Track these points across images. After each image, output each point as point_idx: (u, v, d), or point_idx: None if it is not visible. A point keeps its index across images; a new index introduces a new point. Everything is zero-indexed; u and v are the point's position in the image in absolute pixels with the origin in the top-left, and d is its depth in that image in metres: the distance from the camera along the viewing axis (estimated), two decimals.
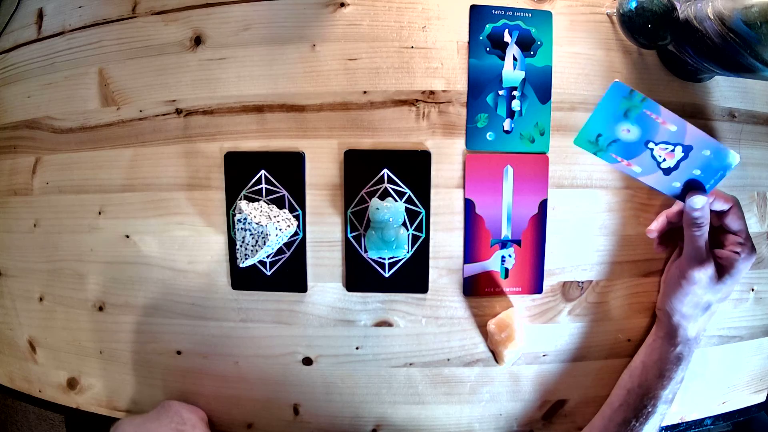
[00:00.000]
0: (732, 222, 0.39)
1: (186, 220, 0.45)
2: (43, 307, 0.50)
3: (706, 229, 0.38)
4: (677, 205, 0.41)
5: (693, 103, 0.45)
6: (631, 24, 0.37)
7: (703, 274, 0.39)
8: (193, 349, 0.47)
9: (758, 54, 0.33)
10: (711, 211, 0.39)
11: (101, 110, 0.47)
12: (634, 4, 0.36)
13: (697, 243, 0.39)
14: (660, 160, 0.38)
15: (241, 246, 0.40)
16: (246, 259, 0.40)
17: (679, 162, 0.37)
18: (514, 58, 0.43)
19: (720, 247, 0.41)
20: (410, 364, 0.45)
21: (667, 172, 0.38)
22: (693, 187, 0.38)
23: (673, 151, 0.37)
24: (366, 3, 0.43)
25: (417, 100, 0.43)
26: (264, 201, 0.43)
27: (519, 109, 0.43)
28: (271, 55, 0.43)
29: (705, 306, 0.41)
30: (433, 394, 0.46)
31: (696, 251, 0.39)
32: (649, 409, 0.41)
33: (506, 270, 0.44)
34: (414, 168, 0.43)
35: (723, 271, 0.39)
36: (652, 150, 0.37)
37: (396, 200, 0.42)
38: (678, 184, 0.38)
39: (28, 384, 0.53)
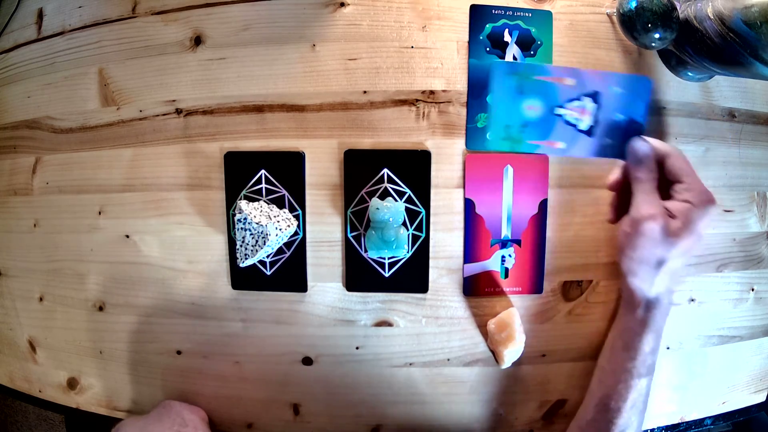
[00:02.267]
0: (674, 169, 0.37)
1: (186, 220, 0.45)
2: (43, 307, 0.50)
3: (652, 176, 0.37)
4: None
5: (693, 102, 0.45)
6: (631, 24, 0.37)
7: (653, 225, 0.36)
8: (193, 349, 0.47)
9: (758, 54, 0.33)
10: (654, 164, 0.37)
11: (101, 110, 0.47)
12: (634, 4, 0.36)
13: (644, 192, 0.37)
14: (575, 122, 0.36)
15: (241, 246, 0.40)
16: (246, 259, 0.40)
17: (596, 116, 0.36)
18: (514, 58, 0.43)
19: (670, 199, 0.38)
20: (410, 364, 0.45)
21: (590, 132, 0.36)
22: (629, 135, 0.37)
23: (583, 106, 0.35)
24: (366, 3, 0.43)
25: (417, 100, 0.43)
26: (264, 201, 0.43)
27: None
28: (271, 55, 0.43)
29: (658, 262, 0.37)
30: (433, 394, 0.46)
31: (643, 201, 0.37)
32: (621, 386, 0.40)
33: (506, 270, 0.44)
34: (414, 168, 0.43)
35: (676, 223, 0.37)
36: (563, 116, 0.36)
37: (396, 200, 0.42)
38: (609, 140, 0.36)
39: (28, 384, 0.53)
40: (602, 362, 0.43)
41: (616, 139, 0.37)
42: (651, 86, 0.35)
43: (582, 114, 0.35)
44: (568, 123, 0.36)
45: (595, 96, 0.35)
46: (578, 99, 0.35)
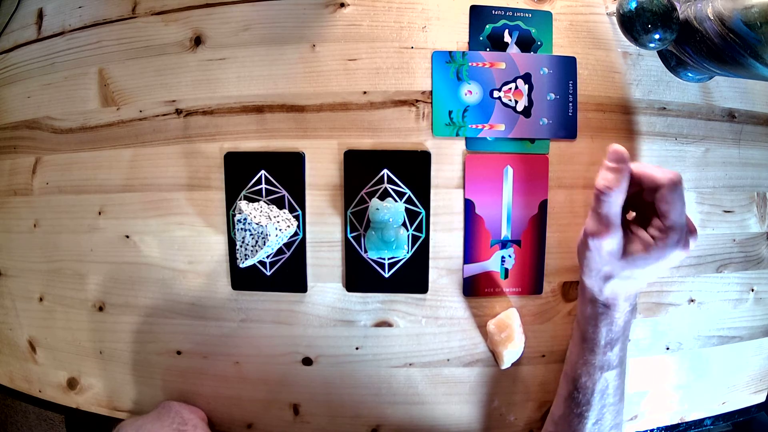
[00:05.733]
0: (660, 203, 0.34)
1: (186, 220, 0.45)
2: (43, 307, 0.50)
3: (615, 195, 0.34)
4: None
5: (693, 103, 0.45)
6: (631, 24, 0.37)
7: (601, 244, 0.34)
8: (193, 349, 0.47)
9: (758, 54, 0.33)
10: (642, 185, 0.35)
11: (101, 110, 0.47)
12: (634, 5, 0.36)
13: (600, 209, 0.34)
14: (512, 104, 0.38)
15: (241, 246, 0.40)
16: (246, 259, 0.40)
17: (530, 96, 0.38)
18: None
19: (646, 226, 0.36)
20: (410, 365, 0.45)
21: (527, 113, 0.39)
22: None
23: (517, 87, 0.38)
24: (366, 3, 0.43)
25: (417, 101, 0.43)
26: (264, 201, 0.43)
27: None
28: (271, 55, 0.43)
29: (605, 276, 0.36)
30: (433, 394, 0.46)
31: (595, 217, 0.35)
32: (585, 379, 0.39)
33: (506, 270, 0.44)
34: (414, 168, 0.43)
35: (634, 249, 0.34)
36: (500, 98, 0.38)
37: (396, 200, 0.42)
38: (546, 120, 0.39)
39: (28, 384, 0.53)
40: (568, 354, 0.42)
41: (552, 118, 0.39)
42: (576, 64, 0.38)
43: (517, 96, 0.38)
44: (505, 105, 0.38)
45: (526, 77, 0.38)
46: (512, 81, 0.38)
